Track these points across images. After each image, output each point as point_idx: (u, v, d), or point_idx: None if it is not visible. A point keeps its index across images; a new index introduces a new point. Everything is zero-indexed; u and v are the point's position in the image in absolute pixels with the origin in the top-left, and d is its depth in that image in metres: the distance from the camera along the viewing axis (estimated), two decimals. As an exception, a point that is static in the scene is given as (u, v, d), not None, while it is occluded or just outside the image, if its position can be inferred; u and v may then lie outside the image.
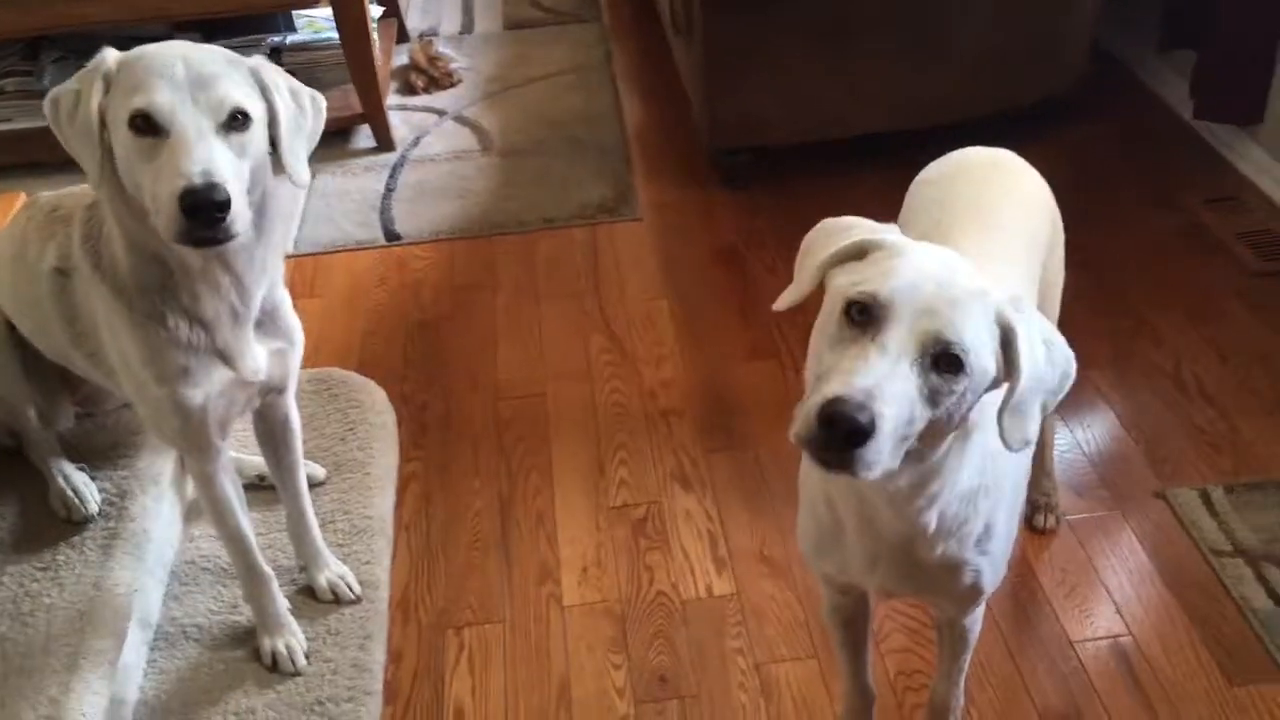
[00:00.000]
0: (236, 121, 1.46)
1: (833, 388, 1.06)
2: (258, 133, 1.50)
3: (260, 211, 1.57)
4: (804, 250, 1.29)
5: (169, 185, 1.40)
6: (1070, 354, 1.19)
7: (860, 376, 1.06)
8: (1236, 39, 2.88)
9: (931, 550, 1.32)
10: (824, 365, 1.12)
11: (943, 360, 1.09)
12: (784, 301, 1.26)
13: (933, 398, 1.09)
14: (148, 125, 1.43)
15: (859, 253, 1.20)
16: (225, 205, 1.40)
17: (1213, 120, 3.09)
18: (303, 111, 1.58)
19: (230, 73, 1.47)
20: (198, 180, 1.39)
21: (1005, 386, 1.15)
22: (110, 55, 1.48)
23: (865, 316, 1.10)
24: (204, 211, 1.39)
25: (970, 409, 1.15)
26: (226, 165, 1.43)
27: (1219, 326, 2.58)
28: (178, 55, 1.45)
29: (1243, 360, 2.49)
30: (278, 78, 1.55)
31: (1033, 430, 1.17)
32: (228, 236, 1.44)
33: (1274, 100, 2.90)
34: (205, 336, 1.63)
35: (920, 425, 1.10)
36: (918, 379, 1.09)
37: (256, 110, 1.49)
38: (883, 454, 1.07)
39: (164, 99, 1.42)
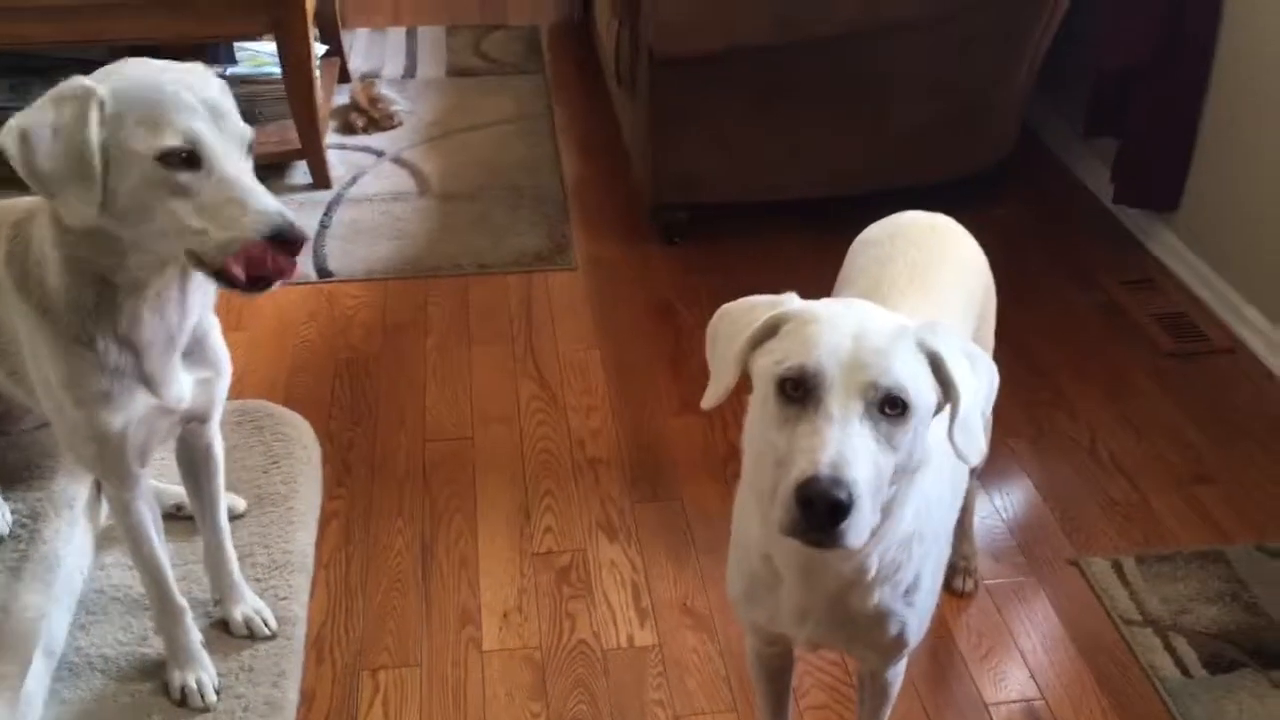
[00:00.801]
0: (251, 150, 1.50)
1: (800, 470, 1.08)
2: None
3: None
4: (711, 340, 1.31)
5: (241, 223, 1.42)
6: (989, 359, 1.26)
7: (822, 451, 1.08)
8: (1155, 129, 3.01)
9: (866, 599, 1.34)
10: (780, 450, 1.13)
11: (887, 404, 1.12)
12: (710, 399, 1.28)
13: (889, 443, 1.12)
14: (182, 161, 1.41)
15: (771, 330, 1.22)
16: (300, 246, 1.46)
17: (1131, 205, 3.21)
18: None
19: (228, 99, 1.50)
20: (283, 224, 1.43)
21: (949, 408, 1.20)
22: (96, 84, 1.42)
23: (801, 390, 1.13)
24: (292, 248, 1.45)
25: (923, 439, 1.18)
26: (271, 199, 1.47)
27: (1133, 403, 2.67)
28: (178, 82, 1.44)
29: (1155, 436, 2.57)
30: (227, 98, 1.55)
31: (982, 440, 1.22)
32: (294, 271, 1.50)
33: (1189, 189, 3.03)
34: (134, 361, 1.60)
35: (889, 474, 1.13)
36: (871, 431, 1.11)
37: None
38: (866, 518, 1.10)
39: (209, 137, 1.42)
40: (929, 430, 1.19)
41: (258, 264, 1.45)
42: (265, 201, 1.43)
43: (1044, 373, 2.77)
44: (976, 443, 1.21)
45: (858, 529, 1.09)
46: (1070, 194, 3.51)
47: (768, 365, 1.17)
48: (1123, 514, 2.36)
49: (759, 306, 1.25)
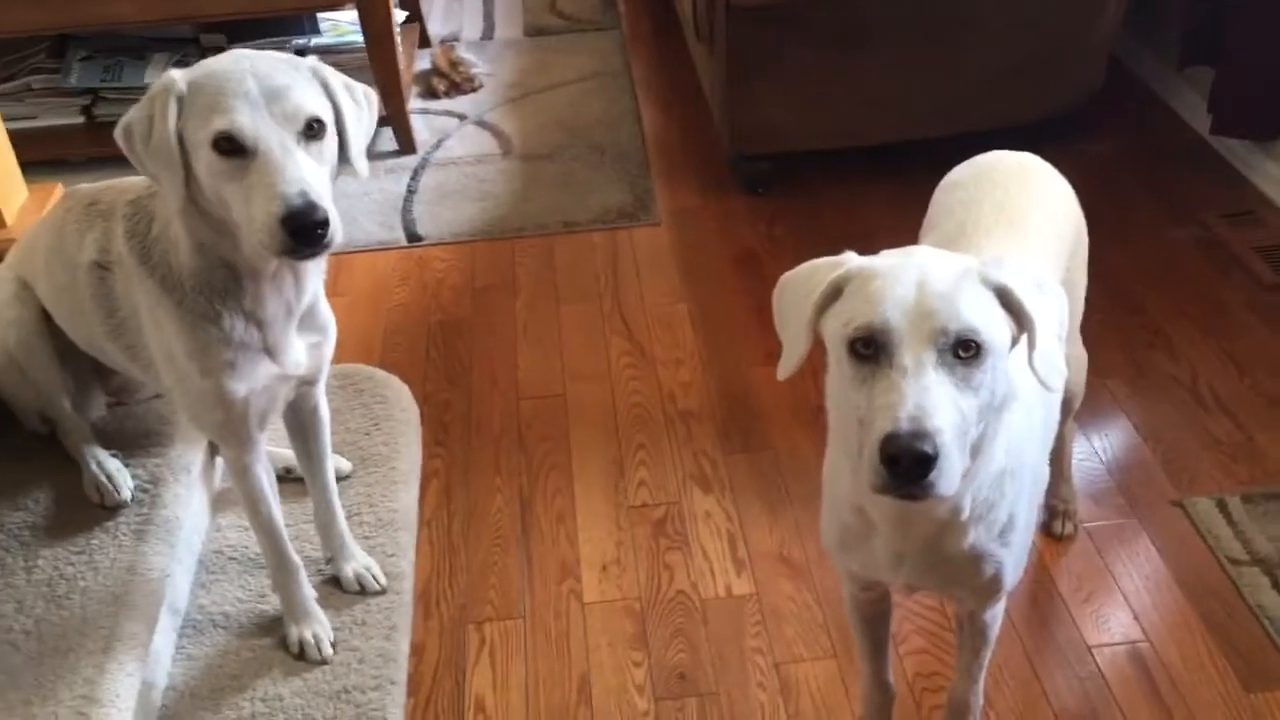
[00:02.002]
0: (312, 130, 1.49)
1: (881, 427, 1.09)
2: (331, 136, 1.53)
3: None
4: (777, 312, 1.31)
5: (266, 207, 1.43)
6: (1055, 282, 1.26)
7: (900, 406, 1.08)
8: (1254, 56, 2.90)
9: (961, 540, 1.35)
10: (861, 409, 1.14)
11: (960, 348, 1.12)
12: (785, 370, 1.28)
13: (969, 386, 1.12)
14: (232, 146, 1.45)
15: (835, 292, 1.22)
16: (326, 222, 1.44)
17: (1230, 136, 3.11)
18: (359, 106, 1.61)
19: (297, 80, 1.50)
20: (297, 202, 1.42)
21: (1025, 339, 1.19)
22: (178, 76, 1.49)
23: (871, 348, 1.13)
24: (308, 230, 1.43)
25: (1004, 374, 1.18)
26: (317, 179, 1.46)
27: (1235, 339, 2.61)
28: (246, 70, 1.47)
29: (1258, 371, 2.51)
30: (334, 77, 1.58)
31: (1062, 363, 1.22)
32: (328, 247, 1.47)
33: (1291, 117, 2.93)
34: (258, 334, 1.67)
35: (973, 416, 1.13)
36: (948, 377, 1.11)
37: (327, 114, 1.52)
38: (955, 466, 1.10)
39: (245, 119, 1.44)
40: (1007, 365, 1.18)
41: None
42: (286, 181, 1.43)
43: (1142, 311, 2.71)
44: (1057, 367, 1.20)
45: (948, 477, 1.10)
46: (1165, 127, 3.42)
47: (836, 328, 1.18)
48: (1226, 452, 2.32)
49: (819, 270, 1.25)
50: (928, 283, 1.14)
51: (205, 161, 1.47)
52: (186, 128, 1.48)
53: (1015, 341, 1.20)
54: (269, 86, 1.46)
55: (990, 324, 1.15)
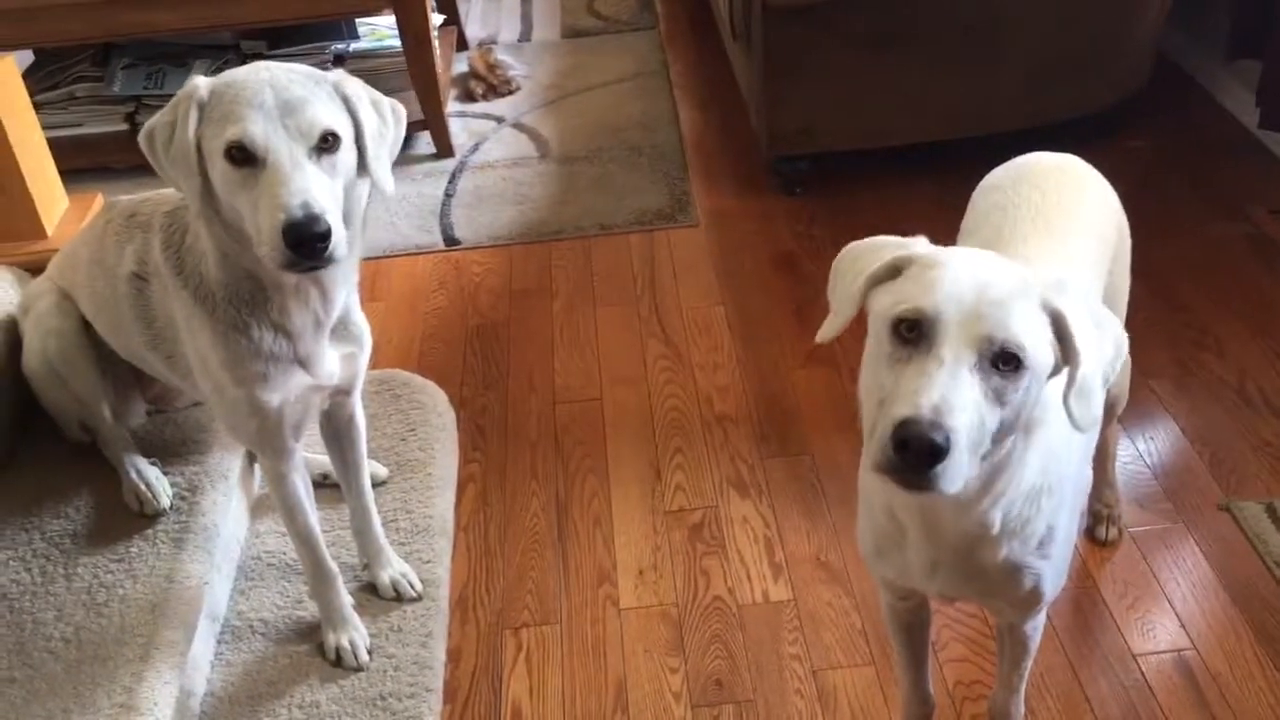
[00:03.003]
0: (326, 143, 1.48)
1: (900, 410, 1.07)
2: (347, 151, 1.52)
3: (348, 223, 1.60)
4: (834, 275, 1.30)
5: (270, 217, 1.43)
6: (1119, 325, 1.21)
7: (925, 394, 1.06)
8: (1304, 48, 2.84)
9: (995, 552, 1.33)
10: (885, 390, 1.12)
11: (1001, 360, 1.10)
12: (826, 333, 1.27)
13: (998, 399, 1.10)
14: (243, 155, 1.45)
15: (894, 271, 1.20)
16: (327, 235, 1.43)
17: (1278, 129, 3.05)
18: (385, 122, 1.60)
19: (316, 93, 1.49)
20: (298, 213, 1.41)
21: (1065, 372, 1.16)
22: (202, 83, 1.50)
23: (915, 332, 1.11)
24: (307, 243, 1.42)
25: (1036, 400, 1.16)
26: (323, 192, 1.46)
27: (1285, 339, 2.55)
28: (265, 81, 1.47)
29: (1309, 373, 2.46)
30: (360, 90, 1.58)
31: (1099, 408, 1.18)
32: (330, 262, 1.47)
33: (1343, 110, 2.86)
34: (288, 345, 1.67)
35: (992, 428, 1.10)
36: (981, 383, 1.09)
37: (344, 129, 1.51)
38: (962, 466, 1.07)
39: (257, 129, 1.44)
40: (1043, 389, 1.16)
41: None
42: (291, 192, 1.42)
43: (1188, 310, 2.66)
44: (1091, 411, 1.16)
45: (951, 476, 1.07)
46: (1212, 121, 3.35)
47: (886, 304, 1.16)
48: (1276, 455, 2.27)
49: (887, 246, 1.24)
50: (988, 287, 1.12)
51: (219, 170, 1.48)
52: (205, 135, 1.49)
53: (1058, 370, 1.17)
54: (285, 99, 1.46)
55: (1037, 345, 1.12)
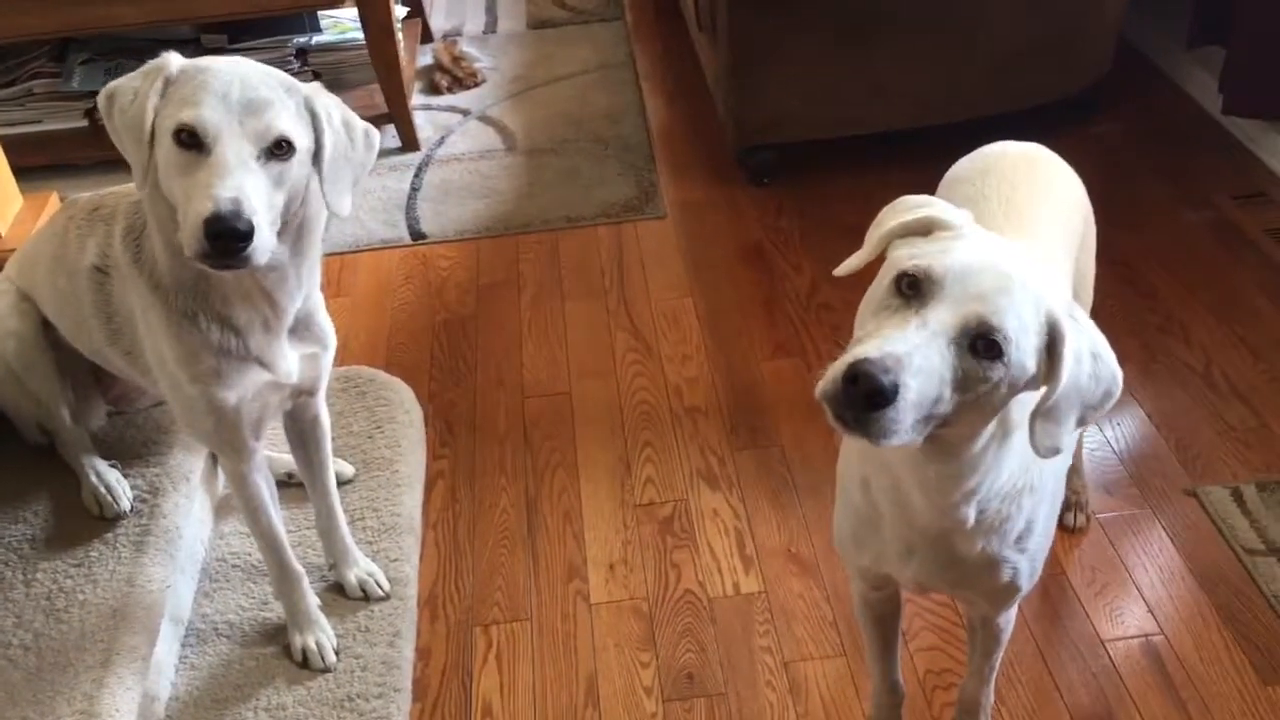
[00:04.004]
0: (280, 150, 1.45)
1: (865, 349, 1.06)
2: (299, 165, 1.49)
3: (300, 234, 1.58)
4: (875, 223, 1.30)
5: (198, 205, 1.40)
6: (1117, 372, 1.16)
7: (893, 344, 1.06)
8: (1266, 33, 2.85)
9: (971, 545, 1.32)
10: (865, 330, 1.13)
11: (981, 345, 1.08)
12: (845, 267, 1.27)
13: (965, 381, 1.09)
14: (191, 140, 1.42)
15: (925, 229, 1.21)
16: (248, 235, 1.40)
17: (1241, 115, 3.07)
18: (354, 145, 1.58)
19: (284, 100, 1.47)
20: (225, 206, 1.38)
21: (1044, 390, 1.14)
22: (174, 60, 1.48)
23: (914, 290, 1.11)
24: (225, 239, 1.39)
25: (1004, 402, 1.14)
26: (258, 194, 1.42)
27: (1249, 324, 2.56)
28: (236, 75, 1.45)
29: (1273, 357, 2.47)
30: (332, 108, 1.55)
31: (1064, 440, 1.16)
32: (244, 264, 1.43)
33: (1304, 95, 2.88)
34: (237, 341, 1.64)
35: (947, 407, 1.09)
36: (953, 359, 1.08)
37: (302, 140, 1.48)
38: (901, 423, 1.06)
39: (211, 117, 1.41)
40: (1013, 395, 1.14)
41: None
42: (225, 186, 1.39)
43: (1153, 296, 2.67)
44: (1055, 439, 1.14)
45: (884, 427, 1.05)
46: (1175, 107, 3.36)
47: (902, 255, 1.16)
48: (1241, 440, 2.28)
49: (933, 207, 1.23)
50: (1001, 276, 1.10)
51: (164, 149, 1.45)
52: (162, 111, 1.46)
53: (1035, 384, 1.14)
54: (250, 97, 1.44)
55: (1023, 346, 1.09)
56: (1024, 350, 1.10)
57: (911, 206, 1.25)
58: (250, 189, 1.41)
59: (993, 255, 1.13)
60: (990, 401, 1.12)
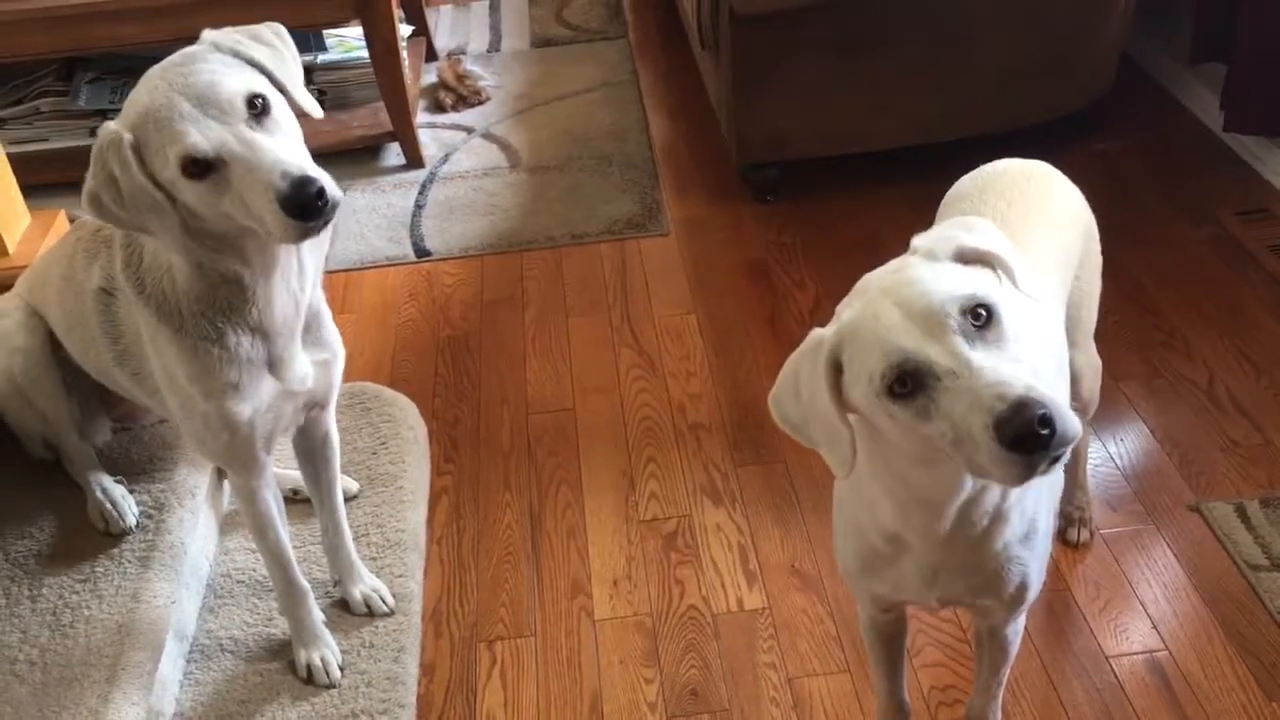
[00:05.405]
0: (255, 107, 1.44)
1: (982, 419, 1.01)
2: (278, 105, 1.48)
3: None
4: (791, 427, 1.25)
5: (264, 202, 1.40)
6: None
7: (985, 389, 1.02)
8: (1267, 51, 2.86)
9: (997, 539, 1.32)
10: (948, 436, 1.06)
11: (971, 316, 1.08)
12: (843, 469, 1.20)
13: (1009, 337, 1.09)
14: (199, 168, 1.42)
15: (836, 366, 1.16)
16: (322, 190, 1.40)
17: (1243, 132, 3.07)
18: (274, 48, 1.55)
19: (216, 68, 1.44)
20: (283, 185, 1.38)
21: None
22: (114, 128, 1.45)
23: (905, 386, 1.07)
24: (309, 204, 1.40)
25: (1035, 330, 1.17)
26: (288, 152, 1.42)
27: (1252, 339, 2.57)
28: (168, 89, 1.42)
29: (1276, 372, 2.47)
30: (237, 36, 1.53)
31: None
32: (334, 209, 1.43)
33: (1305, 112, 2.89)
34: (264, 347, 1.64)
35: (1044, 358, 1.09)
36: (992, 347, 1.07)
37: (258, 83, 1.47)
38: (1064, 401, 1.04)
39: (196, 138, 1.40)
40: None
41: None
42: (266, 170, 1.40)
43: (1156, 312, 2.68)
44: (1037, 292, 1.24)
45: (1065, 417, 1.01)
46: (1177, 124, 3.37)
47: (866, 393, 1.11)
48: (1245, 455, 2.28)
49: (803, 362, 1.19)
50: (897, 289, 1.10)
51: (189, 191, 1.44)
52: (155, 171, 1.44)
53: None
54: (195, 93, 1.41)
55: (979, 283, 1.10)
56: (981, 282, 1.14)
57: (802, 384, 1.20)
58: (282, 154, 1.41)
59: (881, 299, 1.12)
60: (1031, 325, 1.16)
